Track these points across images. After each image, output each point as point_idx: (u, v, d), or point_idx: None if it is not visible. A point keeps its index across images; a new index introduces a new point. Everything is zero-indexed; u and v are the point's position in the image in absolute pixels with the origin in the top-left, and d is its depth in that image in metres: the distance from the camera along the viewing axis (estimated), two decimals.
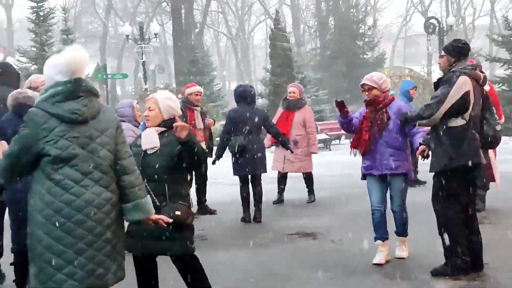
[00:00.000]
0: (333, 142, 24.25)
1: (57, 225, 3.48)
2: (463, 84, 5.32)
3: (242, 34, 62.85)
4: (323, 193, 10.82)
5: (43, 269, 3.51)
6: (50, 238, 3.49)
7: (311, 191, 10.14)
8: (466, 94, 5.29)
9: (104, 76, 26.09)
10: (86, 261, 3.53)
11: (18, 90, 5.75)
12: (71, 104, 3.54)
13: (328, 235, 7.43)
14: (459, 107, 5.30)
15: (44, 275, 3.52)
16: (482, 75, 5.51)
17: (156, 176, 4.45)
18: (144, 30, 28.02)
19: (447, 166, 5.38)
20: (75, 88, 3.57)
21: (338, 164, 15.20)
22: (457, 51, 5.52)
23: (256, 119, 8.57)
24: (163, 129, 4.55)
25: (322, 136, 23.67)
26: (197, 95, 9.02)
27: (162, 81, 45.83)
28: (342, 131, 25.08)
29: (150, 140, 4.53)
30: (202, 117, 9.03)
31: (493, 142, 5.86)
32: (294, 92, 9.99)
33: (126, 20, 47.34)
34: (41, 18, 24.36)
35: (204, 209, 9.25)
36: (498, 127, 6.03)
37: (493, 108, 5.84)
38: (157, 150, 4.49)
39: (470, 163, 5.32)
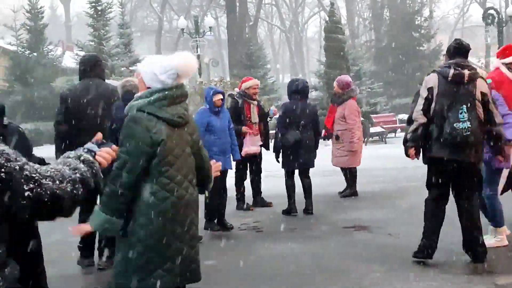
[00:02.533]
0: (388, 135, 23.98)
1: (162, 225, 3.59)
2: (427, 82, 5.70)
3: (296, 27, 62.66)
4: (378, 186, 10.76)
5: (143, 267, 3.60)
6: (153, 238, 3.58)
7: (348, 185, 10.08)
8: (429, 90, 5.64)
9: None
10: (184, 259, 3.69)
11: (126, 78, 6.04)
12: (175, 108, 3.65)
13: (384, 228, 7.38)
14: (432, 100, 5.64)
15: (144, 272, 3.61)
16: (451, 72, 5.58)
17: None
18: (198, 23, 28.19)
19: (423, 161, 5.87)
20: (180, 93, 3.68)
21: (393, 157, 14.99)
22: (451, 50, 5.79)
23: (309, 114, 8.60)
24: None
25: (377, 129, 23.46)
26: (254, 88, 9.06)
27: (216, 74, 46.13)
28: (398, 124, 24.93)
29: None
30: (258, 111, 9.08)
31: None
32: (334, 87, 9.99)
33: (181, 14, 47.81)
34: (99, 13, 24.85)
35: (259, 201, 9.31)
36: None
37: (494, 107, 5.75)
38: None
39: (429, 157, 5.72)
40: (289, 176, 8.72)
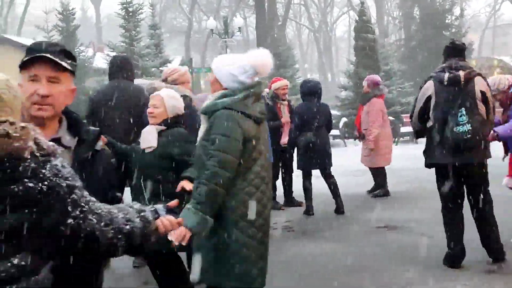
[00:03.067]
0: None
1: (251, 223, 3.60)
2: (425, 90, 5.70)
3: (325, 26, 62.47)
4: (409, 186, 10.68)
5: (238, 266, 3.58)
6: (245, 235, 3.58)
7: (376, 185, 10.03)
8: (428, 99, 5.65)
9: (190, 70, 26.50)
10: (258, 259, 3.66)
11: (151, 81, 6.06)
12: (258, 105, 3.69)
13: (418, 228, 7.33)
14: (427, 110, 5.67)
15: (240, 271, 3.59)
16: (446, 76, 5.56)
17: (152, 175, 4.44)
18: (228, 24, 28.28)
19: (425, 164, 5.91)
20: (259, 91, 3.71)
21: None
22: (445, 51, 5.87)
23: (323, 114, 8.60)
24: (163, 128, 4.52)
25: (407, 128, 23.20)
26: (284, 89, 9.08)
27: None
28: None
29: (147, 139, 4.52)
30: (288, 110, 9.08)
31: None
32: (364, 86, 9.98)
33: (210, 14, 48.02)
34: (130, 14, 25.04)
35: (290, 201, 9.31)
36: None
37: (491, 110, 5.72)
38: (153, 150, 4.47)
39: (432, 163, 5.78)
40: (305, 177, 8.71)
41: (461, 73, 5.53)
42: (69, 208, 2.04)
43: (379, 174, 9.93)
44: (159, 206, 2.36)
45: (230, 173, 3.47)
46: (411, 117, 5.91)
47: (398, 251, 6.36)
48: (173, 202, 2.36)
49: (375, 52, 25.45)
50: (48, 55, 2.39)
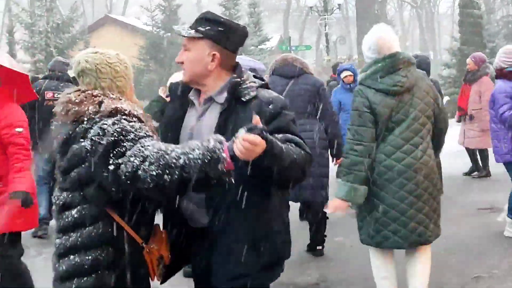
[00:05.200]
0: None
1: (383, 187, 3.91)
2: None
3: (427, 3, 60.55)
4: None
5: (371, 225, 3.98)
6: (374, 197, 3.93)
7: (474, 166, 9.70)
8: None
9: (288, 48, 26.57)
10: (409, 220, 3.89)
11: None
12: (391, 78, 3.87)
13: None
14: None
15: (373, 230, 3.98)
16: None
17: None
18: (327, 1, 27.96)
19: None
20: (394, 62, 3.89)
21: None
22: None
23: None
24: None
25: None
26: None
27: (343, 52, 45.68)
28: None
29: None
30: None
31: None
32: (468, 64, 9.43)
33: None
34: None
35: None
36: None
37: None
38: None
39: None
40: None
41: None
42: (110, 158, 2.35)
43: (483, 156, 9.58)
44: (240, 130, 2.30)
45: (362, 146, 3.82)
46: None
47: (502, 234, 6.14)
48: (255, 119, 2.36)
49: (481, 29, 24.43)
50: (175, 27, 2.73)
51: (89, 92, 2.58)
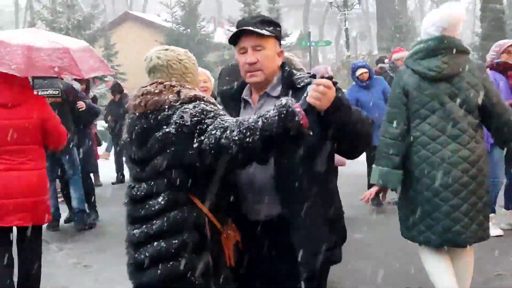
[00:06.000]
0: None
1: (418, 178, 3.71)
2: None
3: None
4: None
5: (409, 217, 3.82)
6: (410, 188, 3.77)
7: None
8: None
9: (308, 44, 26.52)
10: (443, 217, 3.66)
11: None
12: (431, 61, 3.66)
13: None
14: None
15: (411, 223, 3.83)
16: None
17: None
18: None
19: None
20: (437, 46, 3.67)
21: None
22: None
23: None
24: None
25: None
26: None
27: (363, 48, 45.41)
28: None
29: None
30: None
31: None
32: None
33: None
34: None
35: None
36: None
37: None
38: None
39: None
40: None
41: None
42: (194, 136, 2.47)
43: None
44: (310, 86, 2.47)
45: (395, 127, 3.69)
46: None
47: None
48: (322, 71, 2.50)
49: (503, 23, 24.15)
50: (248, 27, 2.70)
51: (167, 83, 2.70)
